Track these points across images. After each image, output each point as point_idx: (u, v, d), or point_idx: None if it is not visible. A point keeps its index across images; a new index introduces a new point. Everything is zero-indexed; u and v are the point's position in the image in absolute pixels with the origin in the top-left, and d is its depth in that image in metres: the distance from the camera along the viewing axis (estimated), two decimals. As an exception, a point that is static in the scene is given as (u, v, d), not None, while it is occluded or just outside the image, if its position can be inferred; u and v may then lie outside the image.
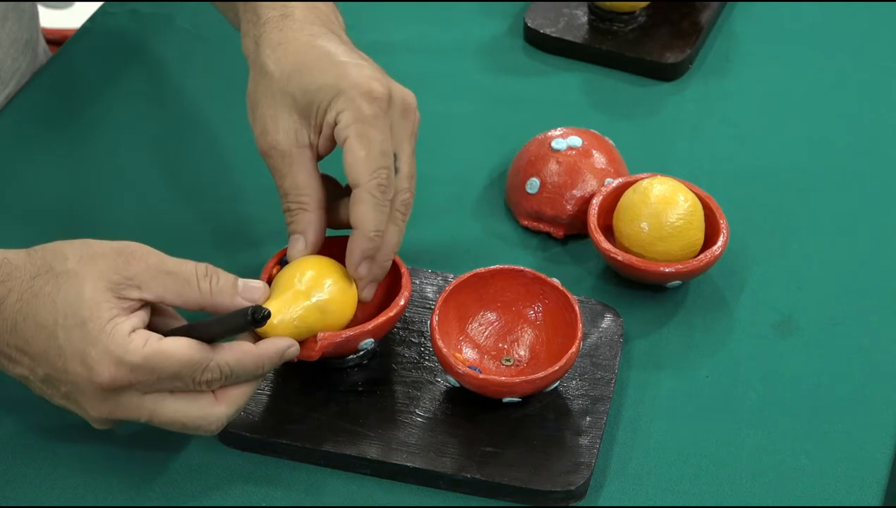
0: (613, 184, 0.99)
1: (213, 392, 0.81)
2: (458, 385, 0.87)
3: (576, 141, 1.02)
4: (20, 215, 1.04)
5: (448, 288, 0.89)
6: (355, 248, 0.85)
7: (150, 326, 0.81)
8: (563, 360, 0.85)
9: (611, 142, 1.04)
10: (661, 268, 0.94)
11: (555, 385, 0.88)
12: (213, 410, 0.80)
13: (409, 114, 0.88)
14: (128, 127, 1.12)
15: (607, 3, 1.18)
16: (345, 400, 0.88)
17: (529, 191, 1.01)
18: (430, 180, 1.06)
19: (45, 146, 1.09)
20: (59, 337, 0.78)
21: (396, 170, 0.87)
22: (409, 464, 0.84)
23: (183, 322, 0.83)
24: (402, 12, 1.24)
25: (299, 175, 0.87)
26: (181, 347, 0.78)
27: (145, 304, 0.80)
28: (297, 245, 0.88)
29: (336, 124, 0.86)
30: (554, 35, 1.19)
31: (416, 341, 0.92)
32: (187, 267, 0.81)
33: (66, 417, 0.87)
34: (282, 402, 0.88)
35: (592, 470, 0.84)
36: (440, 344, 0.86)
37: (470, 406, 0.88)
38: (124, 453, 0.86)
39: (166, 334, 0.79)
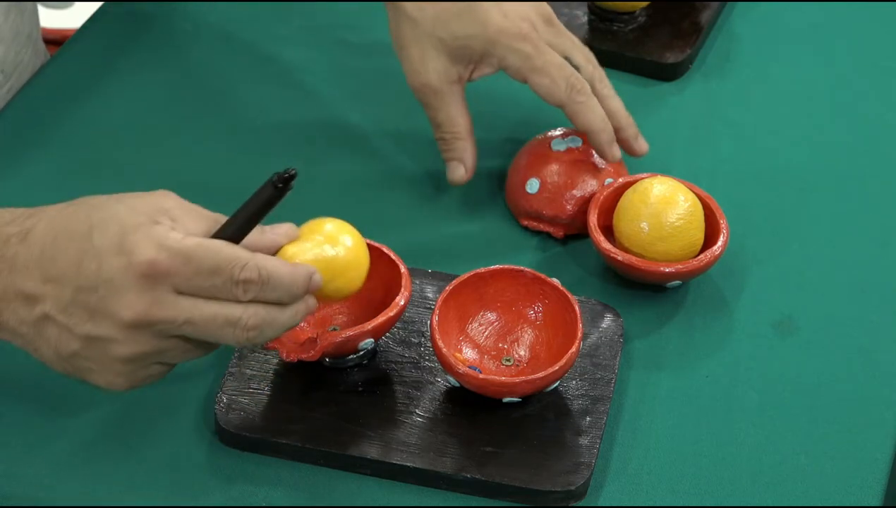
0: (613, 185, 0.99)
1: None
2: (458, 385, 0.87)
3: (576, 141, 1.02)
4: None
5: (448, 288, 0.89)
6: (601, 144, 0.99)
7: None
8: (563, 360, 0.85)
9: None
10: (661, 268, 0.94)
11: (555, 385, 0.87)
12: (247, 313, 0.77)
13: (553, 21, 1.01)
14: (128, 126, 1.12)
15: (607, 3, 1.18)
16: (345, 400, 0.88)
17: (529, 191, 1.01)
18: (431, 180, 1.06)
19: (45, 146, 1.09)
20: (93, 238, 0.76)
21: (578, 68, 1.00)
22: (409, 464, 0.84)
23: None
24: (402, 12, 1.24)
25: (451, 108, 1.00)
26: (222, 244, 0.77)
27: None
28: (458, 170, 1.01)
29: (506, 69, 0.99)
30: (554, 35, 1.18)
31: (416, 341, 0.92)
32: (209, 212, 0.80)
33: (66, 417, 0.87)
34: (282, 402, 0.88)
35: (592, 470, 0.84)
36: (440, 344, 0.86)
37: (470, 406, 0.88)
38: (124, 453, 0.86)
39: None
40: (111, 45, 1.20)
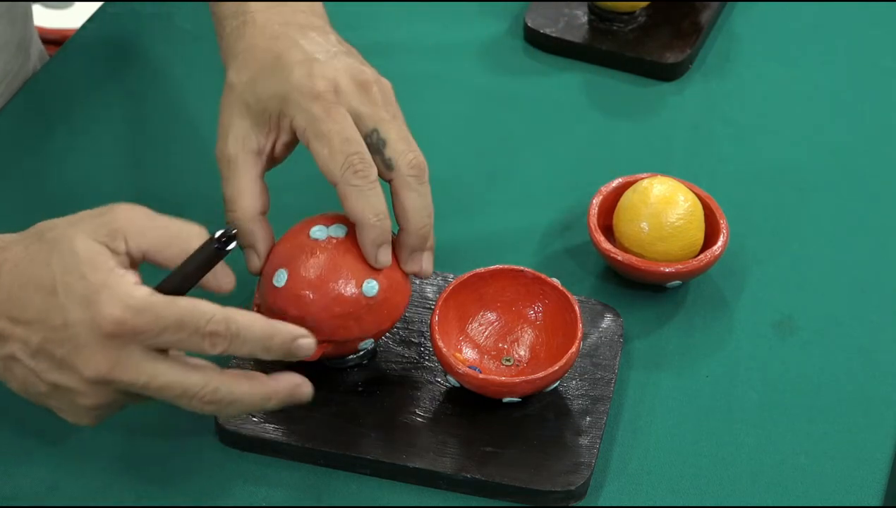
0: (613, 185, 0.99)
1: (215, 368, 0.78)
2: (458, 385, 0.87)
3: (340, 229, 0.85)
4: (18, 214, 1.03)
5: (448, 288, 0.89)
6: (365, 242, 0.83)
7: None
8: (563, 360, 0.85)
9: None
10: (661, 268, 0.94)
11: (555, 385, 0.88)
12: (214, 378, 0.77)
13: (369, 87, 0.86)
14: (127, 127, 1.12)
15: (607, 3, 1.18)
16: (345, 400, 0.88)
17: (276, 283, 0.84)
18: (430, 180, 1.06)
19: (44, 146, 1.09)
20: (58, 293, 0.76)
21: (384, 143, 0.84)
22: (409, 464, 0.84)
23: None
24: (402, 12, 1.24)
25: (241, 181, 0.86)
26: (189, 299, 0.76)
27: (134, 262, 0.78)
28: (252, 260, 0.86)
29: (295, 130, 0.85)
30: (554, 35, 1.19)
31: (416, 341, 0.92)
32: (177, 223, 0.79)
33: (64, 419, 0.87)
34: (282, 402, 0.88)
35: (592, 470, 0.84)
36: (440, 344, 0.86)
37: (470, 406, 0.88)
38: (124, 453, 0.86)
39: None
40: (111, 45, 1.20)
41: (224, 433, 0.86)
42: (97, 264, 0.76)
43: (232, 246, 0.77)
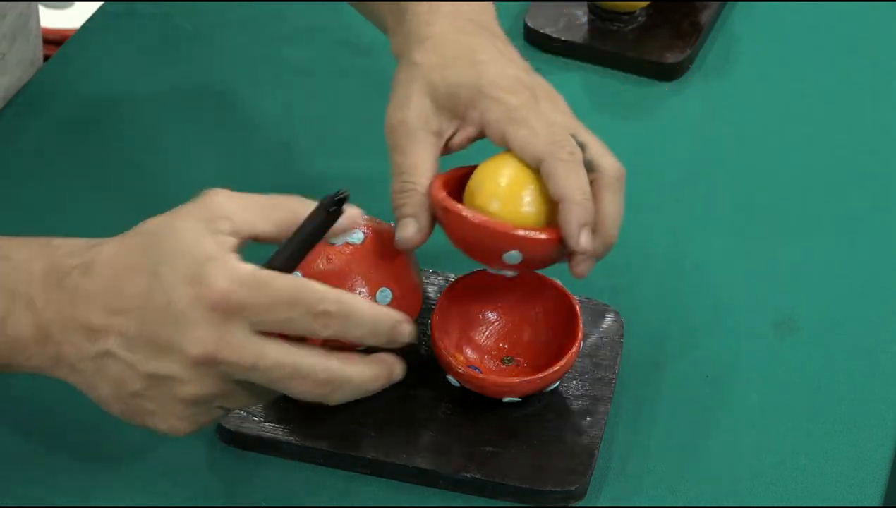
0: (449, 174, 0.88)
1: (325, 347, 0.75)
2: (458, 385, 0.87)
3: (358, 236, 0.84)
4: (20, 211, 1.04)
5: (448, 288, 0.89)
6: (570, 221, 0.79)
7: None
8: (563, 360, 0.85)
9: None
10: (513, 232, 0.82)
11: (555, 385, 0.88)
12: (326, 357, 0.73)
13: (557, 99, 0.85)
14: (127, 127, 1.12)
15: (607, 3, 1.18)
16: (345, 400, 0.88)
17: None
18: (431, 180, 1.06)
19: (45, 146, 1.09)
20: (160, 274, 0.72)
21: (584, 146, 0.82)
22: (409, 464, 0.84)
23: None
24: (403, 12, 1.24)
25: (420, 155, 0.84)
26: (298, 277, 0.73)
27: (238, 244, 0.75)
28: (409, 227, 0.83)
29: (485, 124, 0.84)
30: (554, 35, 1.19)
31: (417, 341, 0.92)
32: (274, 196, 0.77)
33: (65, 417, 0.87)
34: (282, 402, 0.88)
35: (592, 470, 0.84)
36: (440, 344, 0.86)
37: (470, 406, 0.88)
38: (124, 453, 0.86)
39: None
40: (111, 45, 1.20)
41: (224, 432, 0.86)
42: (201, 242, 0.73)
43: (344, 208, 0.74)
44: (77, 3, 2.15)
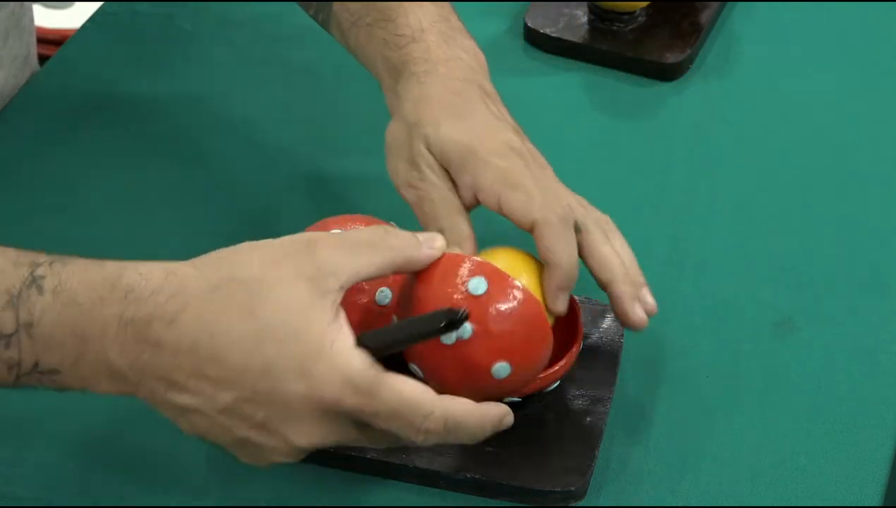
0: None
1: None
2: (458, 385, 0.87)
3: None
4: (21, 215, 1.04)
5: (448, 289, 0.89)
6: (551, 283, 0.82)
7: None
8: (564, 360, 0.85)
9: None
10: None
11: (555, 385, 0.87)
12: (439, 402, 0.74)
13: (546, 169, 0.86)
14: (127, 127, 1.12)
15: (607, 3, 1.18)
16: (345, 400, 0.88)
17: None
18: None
19: (45, 146, 1.09)
20: (266, 353, 0.71)
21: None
22: (408, 464, 0.84)
23: None
24: (402, 12, 1.24)
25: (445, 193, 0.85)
26: (408, 383, 0.73)
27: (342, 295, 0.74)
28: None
29: (478, 189, 0.84)
30: (554, 35, 1.19)
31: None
32: (365, 232, 0.76)
33: (65, 417, 0.87)
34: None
35: (592, 470, 0.84)
36: (440, 344, 0.86)
37: (470, 406, 0.87)
38: (124, 453, 0.86)
39: (357, 344, 0.73)
40: (111, 45, 1.20)
41: (224, 433, 0.86)
42: (312, 320, 0.71)
43: (458, 329, 0.75)
44: (77, 3, 2.15)
